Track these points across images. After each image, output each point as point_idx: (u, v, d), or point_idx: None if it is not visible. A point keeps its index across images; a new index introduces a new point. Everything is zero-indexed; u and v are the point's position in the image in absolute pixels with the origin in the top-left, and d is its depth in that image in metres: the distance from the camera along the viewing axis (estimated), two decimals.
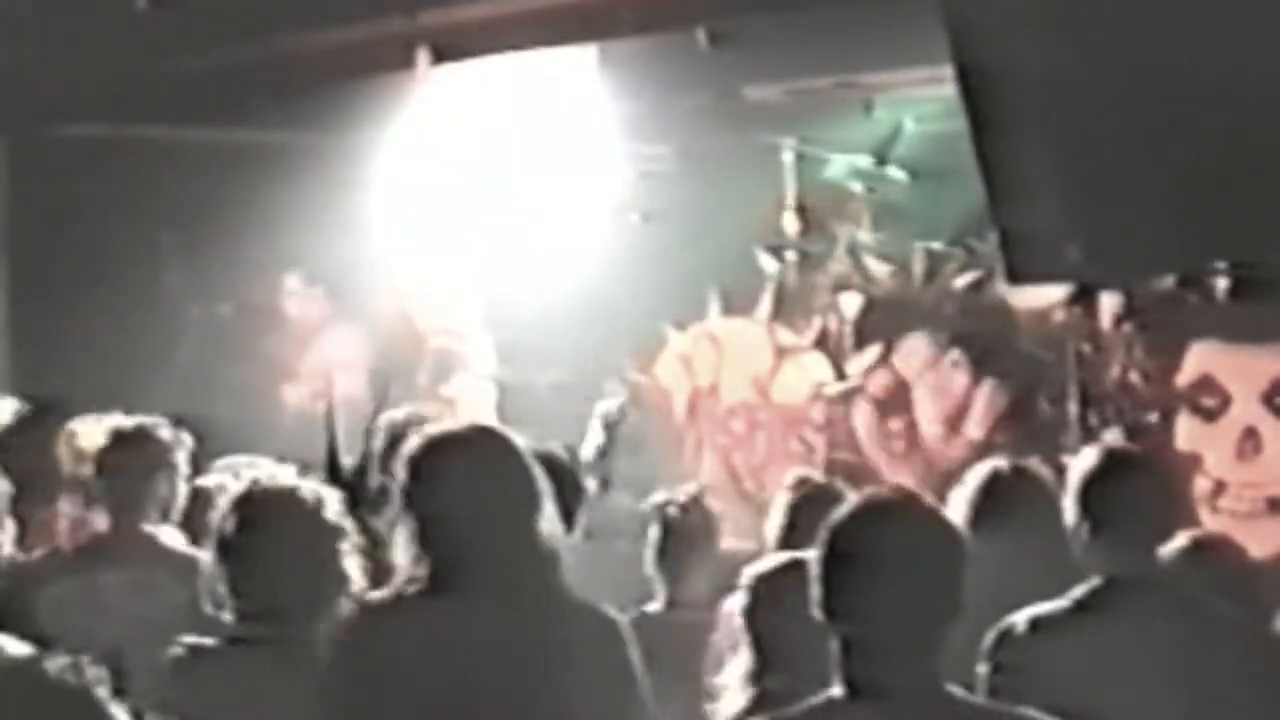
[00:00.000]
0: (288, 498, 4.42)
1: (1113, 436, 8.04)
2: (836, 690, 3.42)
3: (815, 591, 3.46)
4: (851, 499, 3.59)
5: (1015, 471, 4.97)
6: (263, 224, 9.55)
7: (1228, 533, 5.88)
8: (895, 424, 9.31)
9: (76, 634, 4.22)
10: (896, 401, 9.37)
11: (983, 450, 8.37)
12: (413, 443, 4.27)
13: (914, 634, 3.41)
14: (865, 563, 3.44)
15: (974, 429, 9.04)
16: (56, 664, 2.82)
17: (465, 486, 4.15)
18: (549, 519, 4.20)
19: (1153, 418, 8.46)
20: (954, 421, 9.11)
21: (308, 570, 4.33)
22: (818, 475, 6.10)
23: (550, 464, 4.54)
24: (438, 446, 4.23)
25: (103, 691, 2.82)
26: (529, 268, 9.46)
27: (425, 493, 4.17)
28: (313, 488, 4.50)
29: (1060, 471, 4.97)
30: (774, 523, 5.39)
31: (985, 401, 9.04)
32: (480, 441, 4.25)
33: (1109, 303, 8.55)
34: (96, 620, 5.17)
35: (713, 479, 9.81)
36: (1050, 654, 4.28)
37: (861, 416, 9.43)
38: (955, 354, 9.18)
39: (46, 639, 4.18)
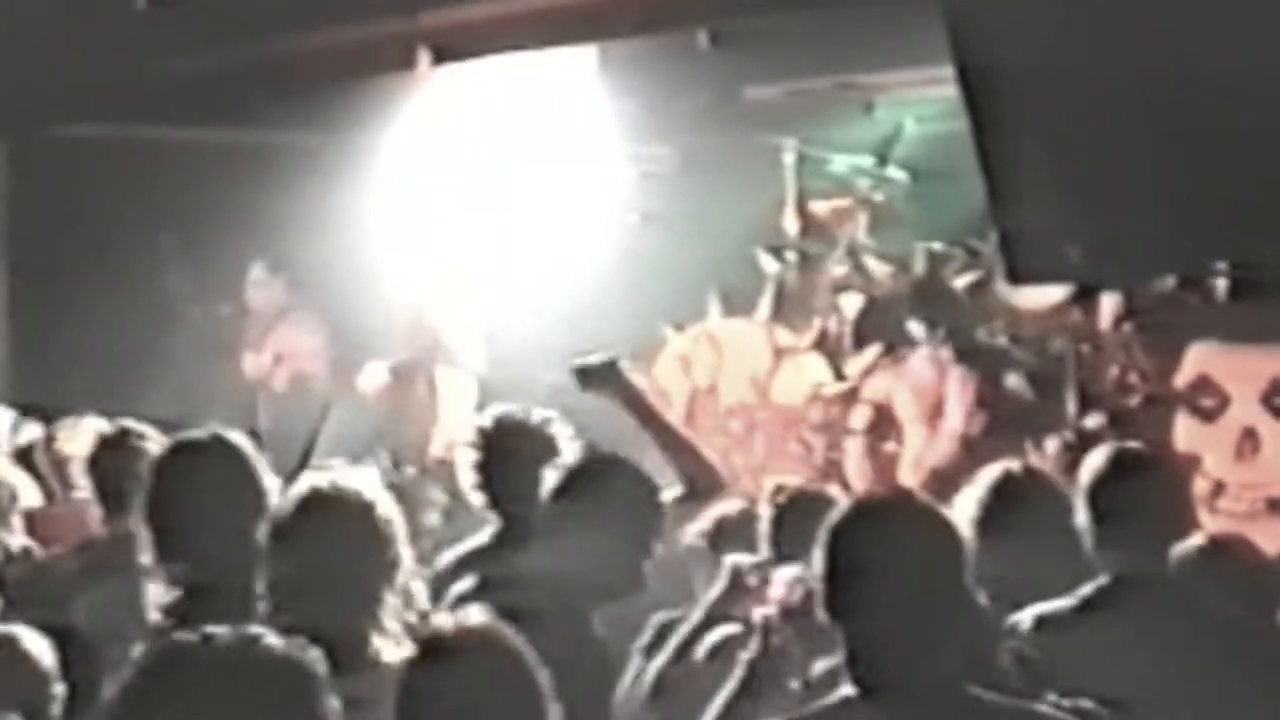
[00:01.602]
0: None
1: (1111, 436, 8.04)
2: (849, 689, 3.43)
3: (820, 593, 3.47)
4: (847, 499, 3.62)
5: (1027, 472, 4.97)
6: (262, 224, 9.54)
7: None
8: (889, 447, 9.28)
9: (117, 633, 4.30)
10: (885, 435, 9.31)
11: (974, 449, 8.39)
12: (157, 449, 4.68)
13: (918, 631, 3.43)
14: (865, 562, 3.48)
15: (958, 425, 9.00)
16: (279, 640, 2.87)
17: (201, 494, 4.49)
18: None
19: (1151, 418, 8.46)
20: (935, 420, 9.09)
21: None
22: (795, 480, 6.07)
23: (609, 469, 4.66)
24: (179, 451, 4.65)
25: (321, 669, 2.86)
26: (528, 267, 9.46)
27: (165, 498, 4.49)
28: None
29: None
30: (764, 536, 5.36)
31: (964, 397, 9.00)
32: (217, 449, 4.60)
33: (1109, 303, 8.55)
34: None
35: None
36: (1055, 651, 4.28)
37: (853, 453, 9.35)
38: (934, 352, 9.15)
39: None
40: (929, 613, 3.44)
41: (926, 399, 9.11)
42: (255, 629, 2.91)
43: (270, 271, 9.92)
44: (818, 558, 3.52)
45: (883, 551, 3.46)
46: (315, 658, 2.87)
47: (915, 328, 9.17)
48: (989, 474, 4.87)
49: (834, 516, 3.54)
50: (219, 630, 2.87)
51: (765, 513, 5.35)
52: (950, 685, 3.42)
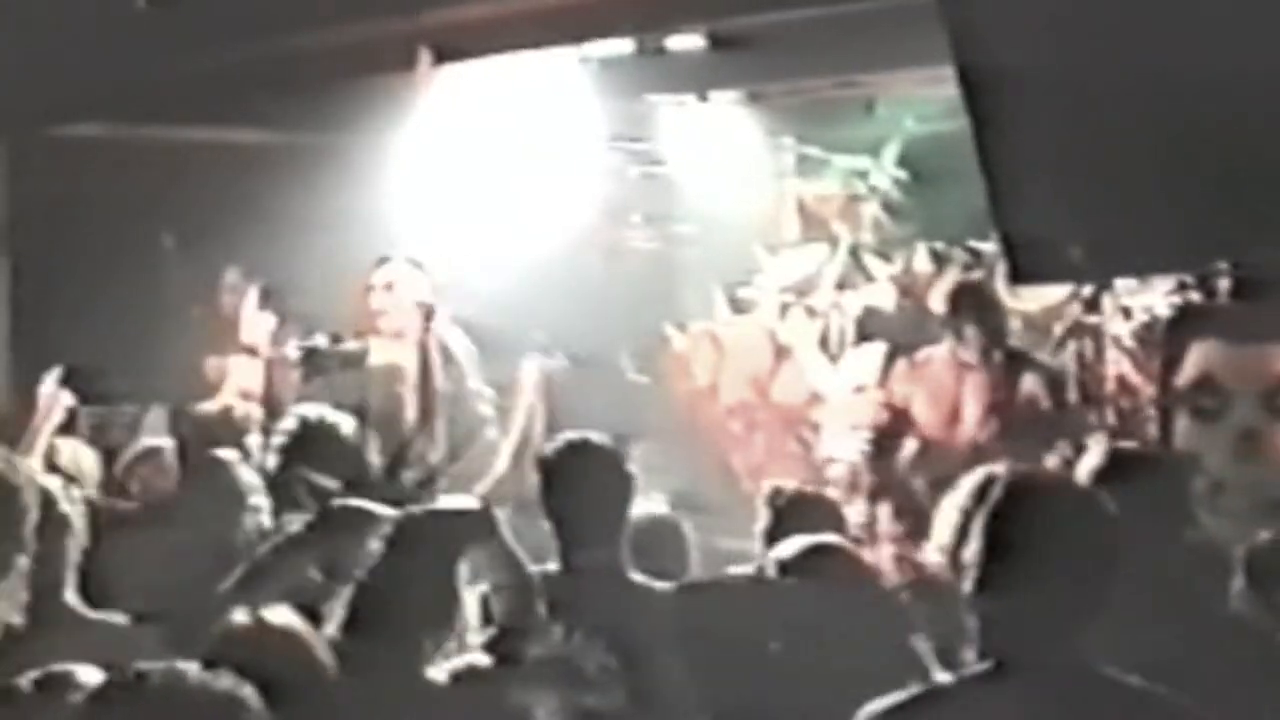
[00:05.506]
0: None
1: (1113, 437, 8.04)
2: (984, 664, 3.46)
3: (971, 573, 3.50)
4: (1003, 480, 3.63)
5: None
6: (262, 224, 9.55)
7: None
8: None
9: None
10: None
11: (982, 452, 8.37)
12: None
13: (1061, 610, 3.45)
14: (1020, 540, 3.50)
15: (972, 431, 8.95)
16: (210, 676, 2.86)
17: None
18: None
19: (1152, 418, 8.45)
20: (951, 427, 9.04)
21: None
22: (791, 484, 6.07)
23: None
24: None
25: (255, 703, 2.85)
26: (529, 267, 9.47)
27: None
28: None
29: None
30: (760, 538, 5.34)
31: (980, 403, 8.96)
32: None
33: (1109, 303, 8.55)
34: None
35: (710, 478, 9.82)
36: None
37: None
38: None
39: None
40: (1074, 599, 3.46)
41: (944, 403, 9.05)
42: (185, 665, 2.90)
43: (245, 277, 9.88)
44: (975, 539, 3.54)
45: (1041, 534, 3.49)
46: (248, 693, 2.85)
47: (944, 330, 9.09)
48: (971, 478, 4.86)
49: (994, 496, 3.58)
50: (151, 667, 2.86)
51: (763, 515, 5.37)
52: (1086, 668, 3.45)
